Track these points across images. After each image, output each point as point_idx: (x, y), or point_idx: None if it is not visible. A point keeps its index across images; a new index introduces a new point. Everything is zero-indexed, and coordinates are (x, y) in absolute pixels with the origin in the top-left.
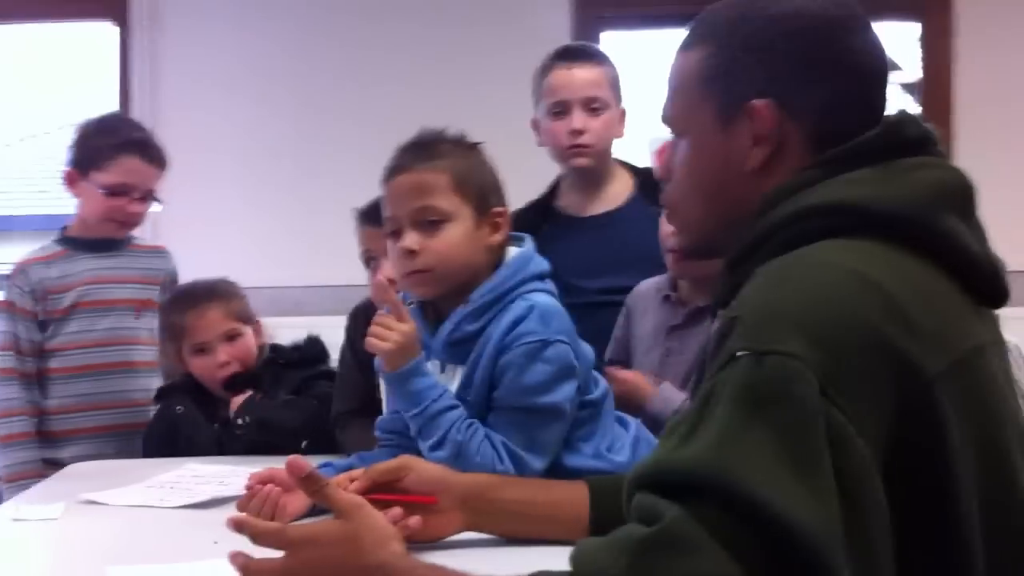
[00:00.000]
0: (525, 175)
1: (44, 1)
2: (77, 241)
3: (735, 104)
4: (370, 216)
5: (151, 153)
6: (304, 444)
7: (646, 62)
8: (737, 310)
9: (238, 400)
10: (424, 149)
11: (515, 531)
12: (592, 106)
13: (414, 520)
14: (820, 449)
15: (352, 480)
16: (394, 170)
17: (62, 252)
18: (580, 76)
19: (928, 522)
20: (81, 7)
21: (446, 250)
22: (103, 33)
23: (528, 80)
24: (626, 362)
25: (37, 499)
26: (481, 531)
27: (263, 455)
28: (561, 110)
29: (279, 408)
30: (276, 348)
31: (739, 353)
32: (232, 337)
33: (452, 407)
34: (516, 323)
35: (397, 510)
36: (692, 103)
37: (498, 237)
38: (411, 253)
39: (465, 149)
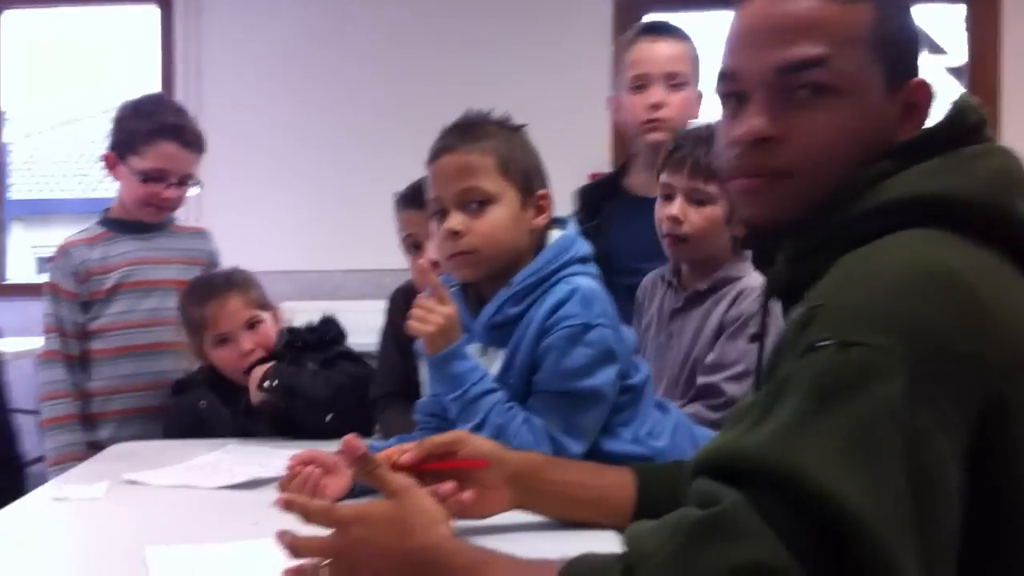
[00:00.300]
0: (563, 164)
1: None
2: (119, 223)
3: (902, 75)
4: (410, 199)
5: (187, 138)
6: (328, 417)
7: None
8: (820, 300)
9: (259, 371)
10: (469, 130)
11: (562, 513)
12: (673, 82)
13: (467, 495)
14: (894, 444)
15: (405, 452)
16: (439, 151)
17: (104, 234)
18: (662, 51)
19: (996, 518)
20: None
21: (490, 231)
22: (146, 16)
23: (568, 67)
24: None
25: (79, 479)
26: (528, 510)
27: (288, 438)
28: (642, 84)
29: (307, 376)
30: (292, 331)
31: (822, 343)
32: (253, 325)
33: (492, 390)
34: (558, 306)
35: (449, 484)
36: (860, 64)
37: (541, 220)
38: (455, 234)
39: (509, 131)
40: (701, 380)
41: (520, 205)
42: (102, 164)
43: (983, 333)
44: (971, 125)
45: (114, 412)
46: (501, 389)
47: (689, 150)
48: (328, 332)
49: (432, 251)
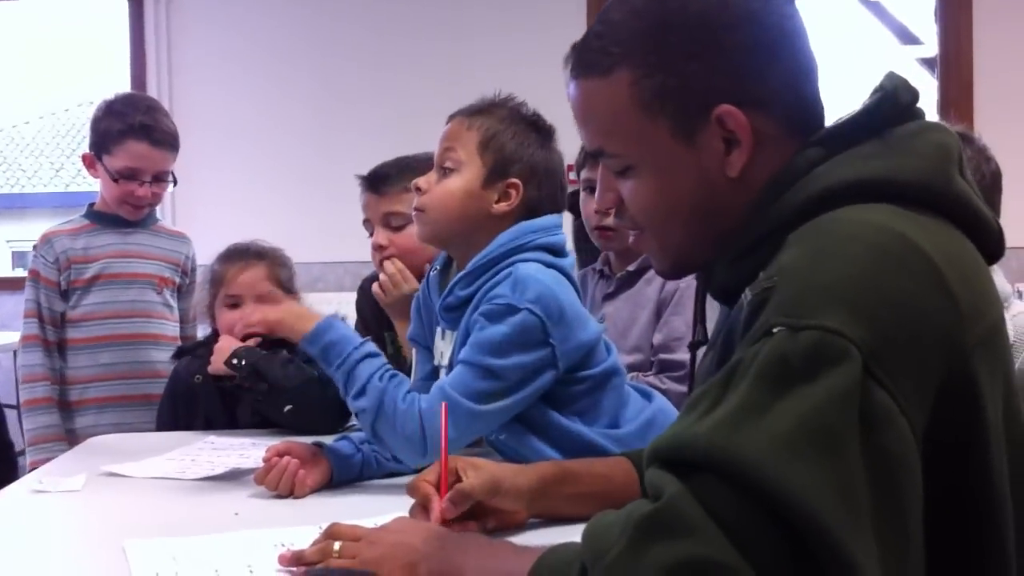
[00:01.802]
0: None
1: None
2: (102, 216)
3: (694, 118)
4: (368, 184)
5: (156, 137)
6: (287, 408)
7: None
8: (773, 281)
9: (228, 343)
10: (480, 105)
11: (576, 514)
12: None
13: (490, 526)
14: (849, 430)
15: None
16: (450, 118)
17: (89, 226)
18: None
19: (964, 495)
20: None
21: (440, 195)
22: (118, 9)
23: (547, 61)
24: None
25: (58, 471)
26: (542, 517)
27: (274, 427)
28: None
29: (278, 363)
30: None
31: (775, 329)
32: (267, 300)
33: (373, 354)
34: (494, 286)
35: (472, 524)
36: (635, 131)
37: (503, 207)
38: (418, 191)
39: (514, 117)
40: (661, 356)
41: (482, 183)
42: (83, 162)
43: (944, 306)
44: (903, 104)
45: (92, 400)
46: (383, 356)
47: None
48: None
49: (380, 235)
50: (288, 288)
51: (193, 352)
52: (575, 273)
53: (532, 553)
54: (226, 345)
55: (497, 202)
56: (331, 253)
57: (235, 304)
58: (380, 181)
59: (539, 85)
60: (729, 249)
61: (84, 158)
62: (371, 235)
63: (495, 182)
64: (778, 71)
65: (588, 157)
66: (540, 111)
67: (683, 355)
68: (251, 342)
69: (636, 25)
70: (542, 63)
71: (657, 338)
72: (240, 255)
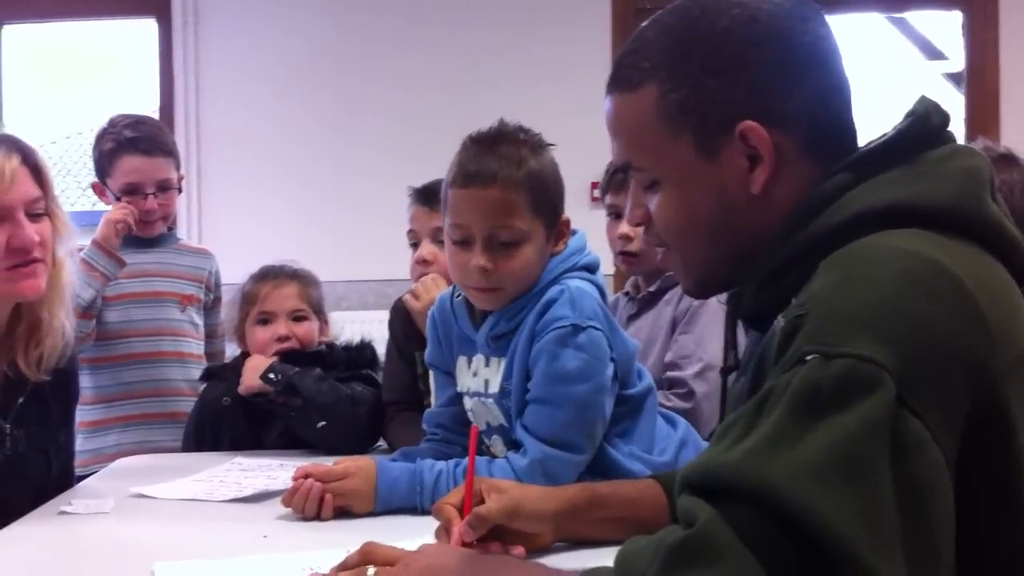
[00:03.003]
0: (564, 171)
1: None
2: (126, 237)
3: (716, 133)
4: (423, 196)
5: (145, 146)
6: (321, 425)
7: None
8: (805, 308)
9: (257, 361)
10: (505, 157)
11: (602, 537)
12: None
13: (517, 550)
14: (880, 457)
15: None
16: (474, 178)
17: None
18: None
19: (995, 520)
20: (123, 4)
21: (520, 270)
22: (145, 30)
23: (569, 76)
24: None
25: (87, 493)
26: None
27: (300, 448)
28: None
29: (312, 379)
30: (330, 346)
31: (807, 356)
32: (299, 319)
33: (437, 473)
34: (547, 308)
35: (496, 545)
36: (659, 145)
37: (561, 246)
38: (484, 271)
39: (541, 155)
40: (667, 375)
41: (547, 239)
42: (94, 193)
43: (975, 331)
44: (934, 127)
45: (115, 419)
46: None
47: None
48: (362, 358)
49: (427, 249)
50: (318, 309)
51: (220, 375)
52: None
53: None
54: (257, 363)
55: (556, 244)
56: (355, 272)
57: (266, 321)
58: (434, 196)
59: (558, 101)
60: (755, 271)
61: (93, 187)
62: (413, 246)
63: (553, 230)
64: (805, 90)
65: (612, 182)
66: (559, 128)
67: (688, 372)
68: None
69: (665, 41)
70: (562, 80)
71: (667, 356)
72: (273, 274)
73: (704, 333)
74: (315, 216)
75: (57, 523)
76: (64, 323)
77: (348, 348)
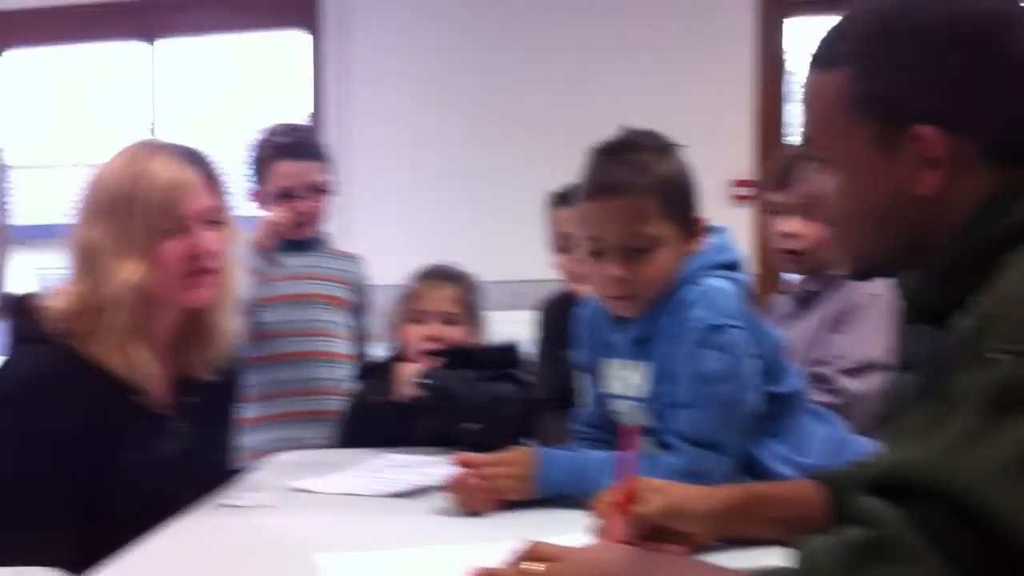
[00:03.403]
0: (705, 172)
1: (238, 12)
2: (280, 240)
3: (897, 130)
4: (564, 197)
5: (295, 150)
6: (476, 427)
7: None
8: (991, 307)
9: (408, 368)
10: (629, 165)
11: (761, 538)
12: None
13: (677, 550)
14: None
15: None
16: (601, 190)
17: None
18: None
19: None
20: (273, 17)
21: (654, 275)
22: (295, 42)
23: (712, 72)
24: None
25: (250, 487)
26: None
27: (441, 445)
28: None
29: (465, 382)
30: (478, 347)
31: (995, 355)
32: (450, 322)
33: (594, 461)
34: (684, 309)
35: (656, 543)
36: (842, 129)
37: (696, 244)
38: (620, 281)
39: (667, 157)
40: (814, 370)
41: (681, 241)
42: (252, 202)
43: None
44: None
45: (268, 416)
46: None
47: (799, 167)
48: (507, 358)
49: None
50: (474, 313)
51: (373, 373)
52: (749, 289)
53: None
54: (408, 371)
55: (691, 243)
56: (494, 273)
57: (419, 320)
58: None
59: (697, 100)
60: (932, 268)
61: (249, 194)
62: (562, 250)
63: (687, 231)
64: (999, 98)
65: (774, 180)
66: (698, 127)
67: (834, 368)
68: (434, 361)
69: (868, 27)
70: (701, 78)
71: (818, 354)
72: (434, 273)
73: (860, 332)
74: (458, 219)
75: (224, 515)
76: (232, 326)
77: (493, 348)
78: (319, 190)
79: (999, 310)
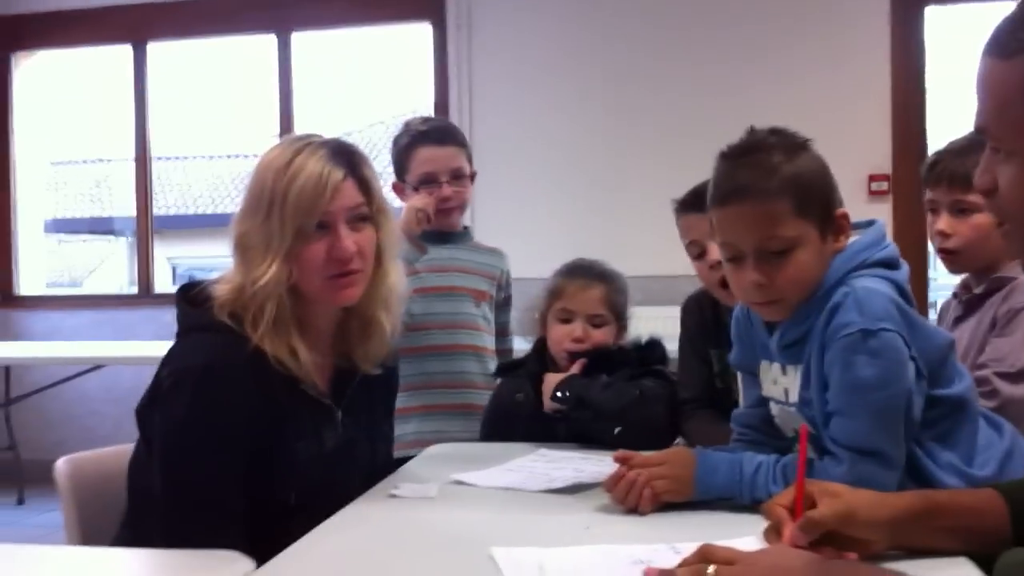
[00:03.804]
0: (843, 165)
1: (362, 6)
2: (424, 232)
3: None
4: (690, 204)
5: (436, 136)
6: (617, 431)
7: (975, 37)
8: None
9: (552, 380)
10: (758, 168)
11: (939, 548)
12: None
13: (850, 557)
14: None
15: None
16: (730, 195)
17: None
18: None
19: None
20: (399, 10)
21: (796, 276)
22: (419, 34)
23: (846, 64)
24: None
25: (410, 478)
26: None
27: (585, 446)
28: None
29: (599, 389)
30: (621, 348)
31: None
32: (597, 324)
33: (756, 466)
34: (833, 314)
35: (829, 551)
36: (1021, 120)
37: (843, 240)
38: (760, 286)
39: (797, 156)
40: (975, 374)
41: (821, 239)
42: (393, 192)
43: None
44: None
45: (416, 408)
46: (760, 458)
47: (948, 163)
48: (652, 355)
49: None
50: (620, 314)
51: (513, 371)
52: (908, 286)
53: None
54: (552, 380)
55: (836, 240)
56: (622, 268)
57: (567, 320)
58: (703, 199)
59: (831, 95)
60: None
61: (393, 187)
62: (695, 257)
63: (828, 227)
64: None
65: (931, 176)
66: (834, 122)
67: (992, 371)
68: (576, 366)
69: None
70: (836, 73)
71: (980, 358)
72: (583, 273)
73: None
74: (583, 213)
75: (388, 506)
76: (391, 320)
77: (639, 347)
78: (460, 175)
79: None
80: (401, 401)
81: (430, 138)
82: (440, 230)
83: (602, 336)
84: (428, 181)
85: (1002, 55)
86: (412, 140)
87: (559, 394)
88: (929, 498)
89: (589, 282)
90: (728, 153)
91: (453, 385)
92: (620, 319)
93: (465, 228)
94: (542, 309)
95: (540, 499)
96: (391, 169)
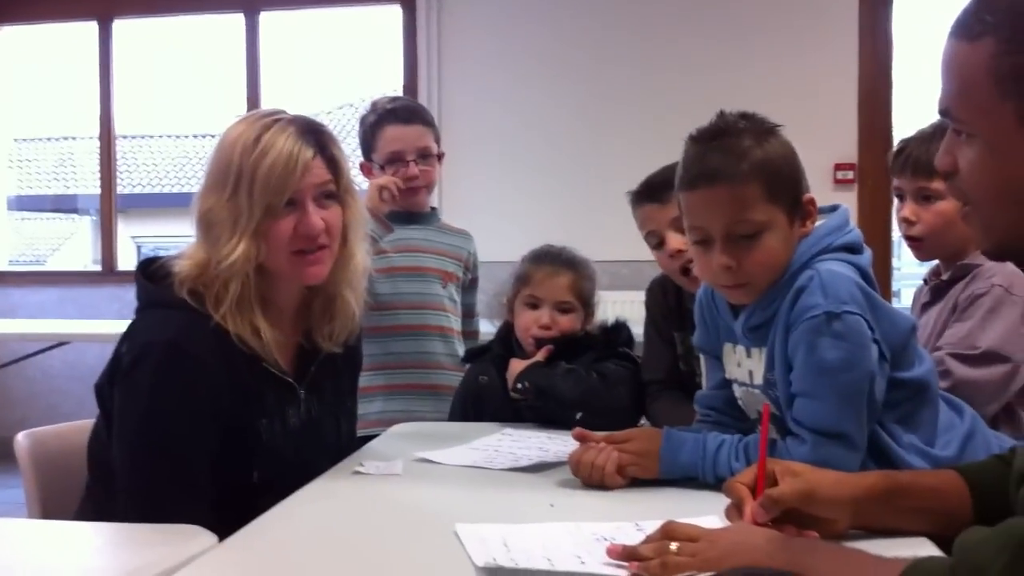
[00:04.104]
0: (810, 154)
1: None
2: (392, 213)
3: None
4: (646, 195)
5: (403, 115)
6: (579, 416)
7: (943, 28)
8: None
9: (517, 366)
10: (728, 152)
11: (901, 529)
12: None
13: (810, 536)
14: None
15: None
16: (700, 179)
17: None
18: None
19: None
20: None
21: (764, 260)
22: (389, 16)
23: (817, 56)
24: None
25: (375, 456)
26: (864, 529)
27: (550, 426)
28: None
29: (558, 377)
30: (587, 333)
31: None
32: (564, 310)
33: (720, 443)
34: (797, 296)
35: (791, 528)
36: (984, 103)
37: (810, 225)
38: (728, 269)
39: (767, 140)
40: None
41: (789, 223)
42: (360, 173)
43: None
44: None
45: (380, 387)
46: (725, 438)
47: (913, 150)
48: (619, 337)
49: (677, 241)
50: (587, 301)
51: (480, 356)
52: (871, 271)
53: (891, 564)
54: (515, 368)
55: (803, 225)
56: (591, 252)
57: (534, 306)
58: (659, 188)
59: (799, 83)
60: None
61: (360, 167)
62: (654, 247)
63: (796, 212)
64: None
65: (896, 164)
66: (801, 110)
67: (945, 352)
68: (542, 352)
69: (1018, 1)
70: (805, 62)
71: (939, 341)
72: (551, 260)
73: (984, 321)
74: (552, 198)
75: (353, 482)
76: (356, 299)
77: (605, 330)
78: (427, 155)
79: None
80: (367, 380)
81: (397, 117)
82: (408, 211)
83: (569, 323)
84: (395, 160)
85: (967, 37)
86: (379, 119)
87: (519, 385)
88: (891, 478)
89: (557, 269)
90: (698, 136)
91: (420, 365)
92: (587, 306)
93: (432, 209)
94: (509, 295)
95: (505, 477)
96: (360, 151)
